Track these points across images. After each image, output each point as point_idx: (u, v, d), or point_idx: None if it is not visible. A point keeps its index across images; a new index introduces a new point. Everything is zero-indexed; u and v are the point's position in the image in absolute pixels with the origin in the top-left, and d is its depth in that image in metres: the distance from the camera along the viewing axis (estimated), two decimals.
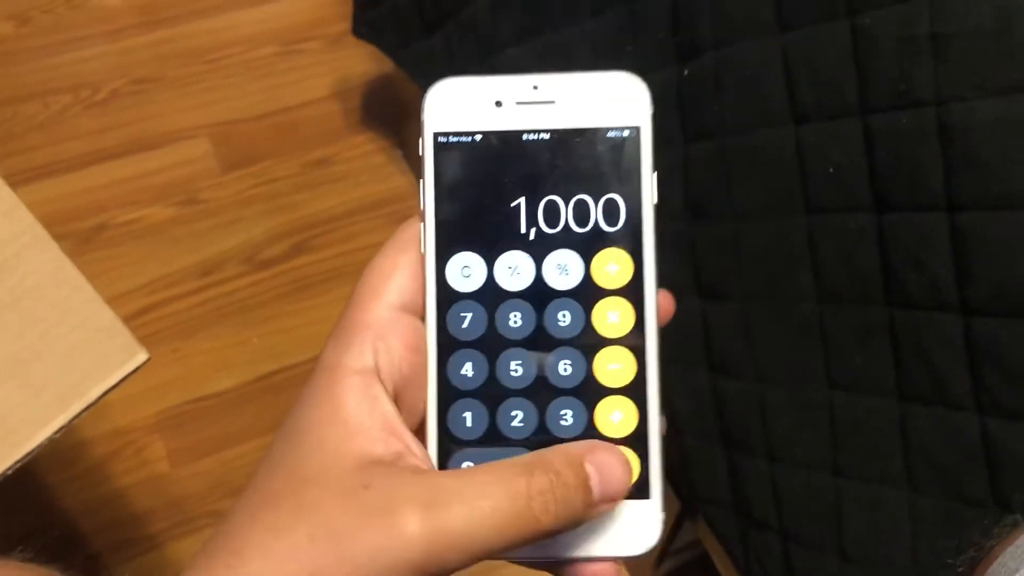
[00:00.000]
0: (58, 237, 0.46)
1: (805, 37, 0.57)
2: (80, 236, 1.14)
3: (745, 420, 0.66)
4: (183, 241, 1.15)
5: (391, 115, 1.26)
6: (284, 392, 1.07)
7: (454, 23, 0.91)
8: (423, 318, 0.30)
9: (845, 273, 0.58)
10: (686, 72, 0.66)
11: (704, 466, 0.70)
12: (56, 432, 0.42)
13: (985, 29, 0.48)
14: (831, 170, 0.57)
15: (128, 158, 1.22)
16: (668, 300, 0.31)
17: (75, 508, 0.97)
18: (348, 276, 1.14)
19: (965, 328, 0.52)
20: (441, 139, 0.31)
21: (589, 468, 0.27)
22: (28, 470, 0.41)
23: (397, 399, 0.29)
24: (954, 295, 0.51)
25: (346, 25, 1.06)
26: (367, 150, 1.24)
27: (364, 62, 1.28)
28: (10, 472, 0.40)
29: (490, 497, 0.26)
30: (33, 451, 0.40)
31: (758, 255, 0.63)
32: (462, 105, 0.31)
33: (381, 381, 0.29)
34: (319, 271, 1.15)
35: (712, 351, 0.68)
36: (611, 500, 0.28)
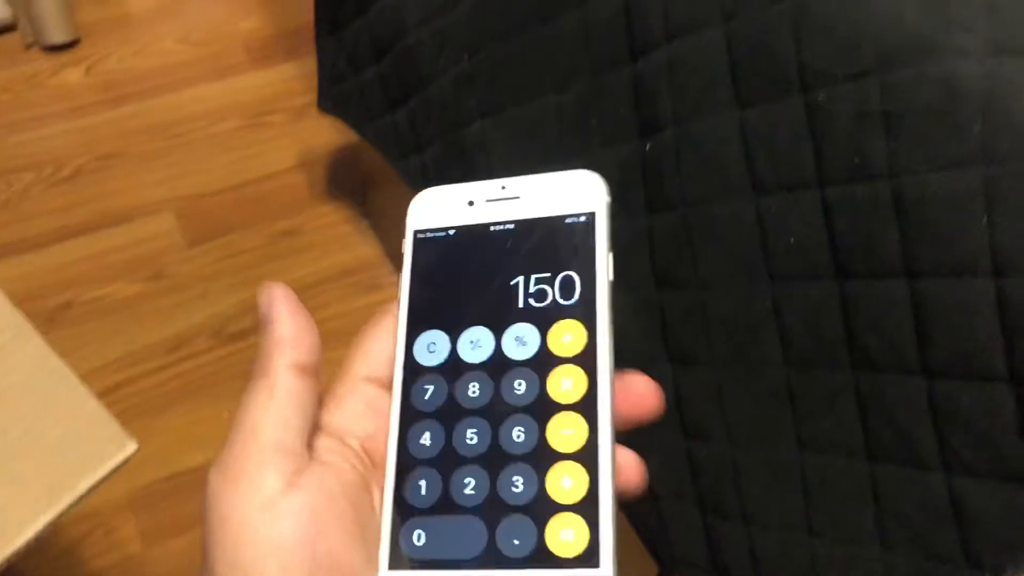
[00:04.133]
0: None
1: (762, 113, 0.60)
2: (46, 314, 1.13)
3: (719, 483, 0.67)
4: (150, 317, 1.15)
5: (356, 185, 1.27)
6: None
7: (418, 99, 0.93)
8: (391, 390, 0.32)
9: (810, 339, 0.60)
10: (648, 147, 0.69)
11: (681, 529, 0.71)
12: (44, 528, 0.42)
13: (933, 107, 0.51)
14: (792, 240, 0.59)
15: (93, 234, 1.22)
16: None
17: None
18: None
19: (928, 390, 0.54)
20: (419, 235, 0.34)
21: None
22: None
23: (368, 454, 0.31)
24: (915, 359, 0.53)
25: (309, 98, 1.08)
26: (333, 220, 1.25)
27: (328, 133, 1.29)
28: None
29: None
30: (21, 548, 0.40)
31: (725, 322, 0.65)
32: (440, 207, 0.34)
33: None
34: None
35: (685, 416, 0.69)
36: None
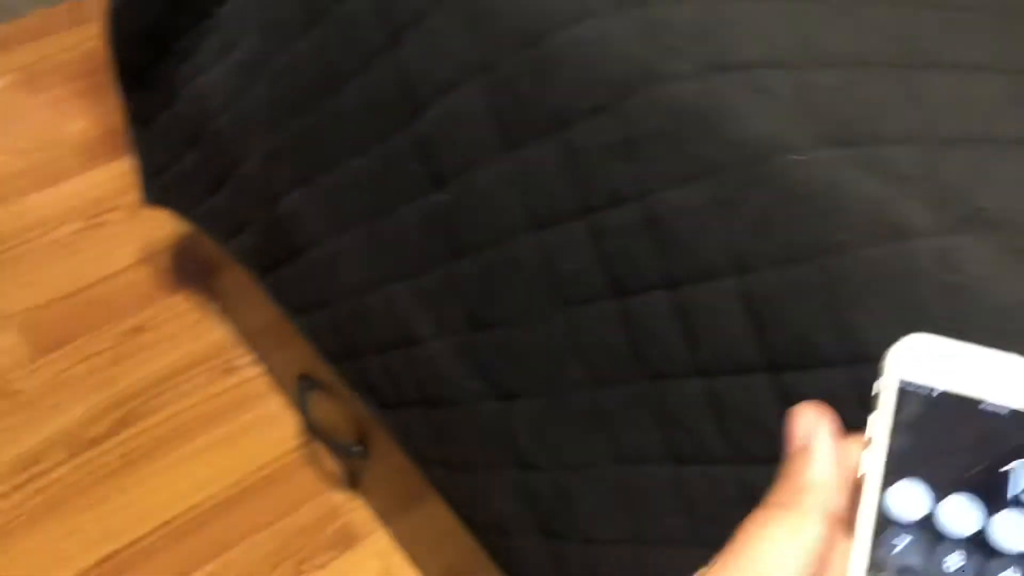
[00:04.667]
0: None
1: (529, 155, 0.63)
2: None
3: (556, 509, 0.70)
4: None
5: (199, 272, 1.27)
6: (130, 570, 1.04)
7: (234, 180, 0.95)
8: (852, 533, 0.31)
9: (604, 357, 0.63)
10: (442, 199, 0.71)
11: (532, 558, 0.73)
12: None
13: (662, 129, 0.55)
14: (572, 268, 0.62)
15: None
16: None
17: None
18: (180, 439, 1.14)
19: (705, 389, 0.57)
20: (905, 386, 0.31)
21: None
22: None
23: None
24: (689, 361, 0.57)
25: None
26: (180, 310, 1.24)
27: (167, 223, 1.29)
28: None
29: None
30: None
31: (532, 354, 0.67)
32: (933, 360, 0.31)
33: None
34: (149, 440, 1.13)
35: (516, 449, 0.72)
36: None
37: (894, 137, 0.48)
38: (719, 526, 0.60)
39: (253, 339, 1.23)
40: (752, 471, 0.57)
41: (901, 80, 0.50)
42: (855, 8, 0.54)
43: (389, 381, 0.85)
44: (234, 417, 1.17)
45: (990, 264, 0.44)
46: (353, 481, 1.14)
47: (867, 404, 0.31)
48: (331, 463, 1.15)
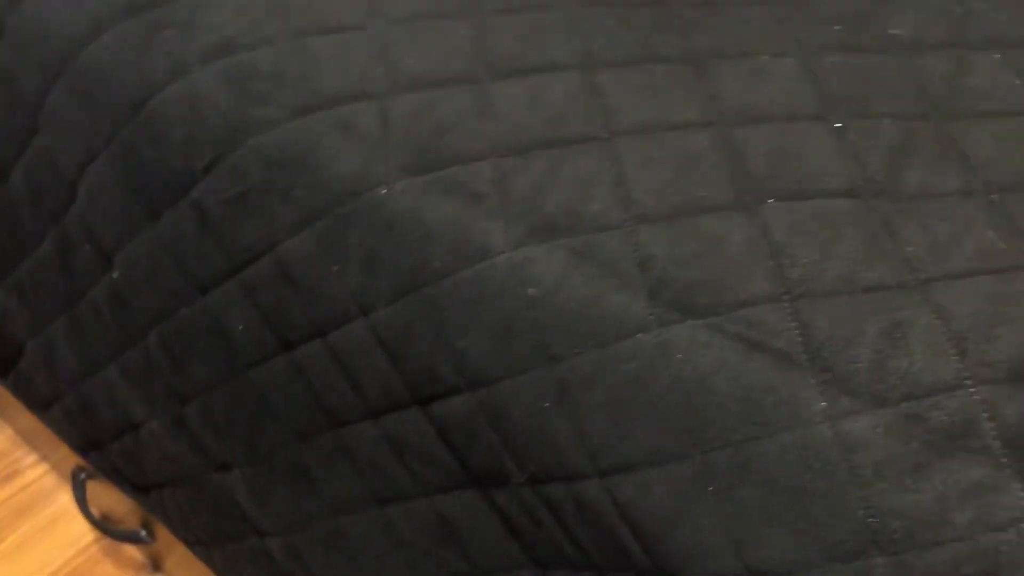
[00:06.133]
0: None
1: (169, 222, 0.60)
2: None
3: (292, 569, 0.67)
4: None
5: None
6: None
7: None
8: None
9: (292, 411, 0.61)
10: (116, 275, 0.68)
11: None
12: None
13: (265, 179, 0.53)
14: (241, 327, 0.60)
15: None
16: None
17: None
18: None
19: (379, 429, 0.56)
20: None
21: None
22: None
23: None
24: (359, 406, 0.55)
25: None
26: None
27: None
28: None
29: None
30: None
31: (233, 420, 0.65)
32: None
33: None
34: None
35: (246, 518, 0.69)
36: None
37: (468, 155, 0.47)
38: (430, 559, 0.59)
39: (31, 438, 1.17)
40: (440, 500, 0.56)
41: (476, 95, 0.49)
42: (436, 23, 0.53)
43: (133, 466, 0.82)
44: (23, 522, 1.11)
45: (561, 270, 0.44)
46: (156, 565, 1.09)
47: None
48: (131, 550, 1.10)
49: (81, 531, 1.12)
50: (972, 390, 0.38)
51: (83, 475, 1.02)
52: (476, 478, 0.52)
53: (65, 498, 1.14)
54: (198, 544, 0.78)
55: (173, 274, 0.62)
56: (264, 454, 0.64)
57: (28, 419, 1.17)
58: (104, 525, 1.02)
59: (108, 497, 1.04)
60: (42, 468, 1.16)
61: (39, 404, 0.90)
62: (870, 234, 0.43)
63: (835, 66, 0.50)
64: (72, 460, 1.10)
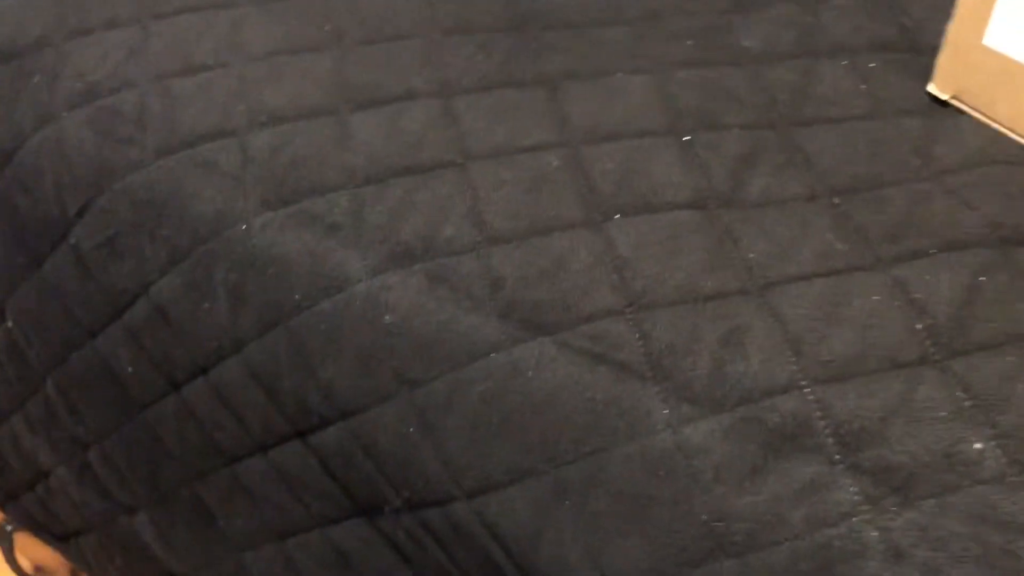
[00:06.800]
0: None
1: (49, 267, 0.60)
2: None
3: None
4: None
5: None
6: None
7: None
8: None
9: (186, 450, 0.61)
10: (9, 324, 0.68)
11: None
12: None
13: (136, 221, 0.53)
14: (130, 370, 0.60)
15: None
16: None
17: None
18: None
19: (268, 463, 0.56)
20: None
21: None
22: None
23: None
24: (247, 439, 0.55)
25: None
26: None
27: None
28: None
29: None
30: None
31: (131, 462, 0.65)
32: None
33: None
34: None
35: (157, 561, 0.69)
36: None
37: (324, 187, 0.48)
38: None
39: None
40: (333, 531, 0.56)
41: (334, 126, 0.50)
42: (296, 57, 0.53)
43: (49, 515, 0.81)
44: None
45: (416, 295, 0.44)
46: None
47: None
48: None
49: None
50: (807, 390, 0.39)
51: (9, 527, 1.01)
52: (362, 508, 0.52)
53: None
54: None
55: (62, 320, 0.62)
56: (166, 495, 0.64)
57: None
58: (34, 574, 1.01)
59: (38, 548, 1.02)
60: None
61: None
62: (713, 243, 0.44)
63: (687, 81, 0.51)
64: None
